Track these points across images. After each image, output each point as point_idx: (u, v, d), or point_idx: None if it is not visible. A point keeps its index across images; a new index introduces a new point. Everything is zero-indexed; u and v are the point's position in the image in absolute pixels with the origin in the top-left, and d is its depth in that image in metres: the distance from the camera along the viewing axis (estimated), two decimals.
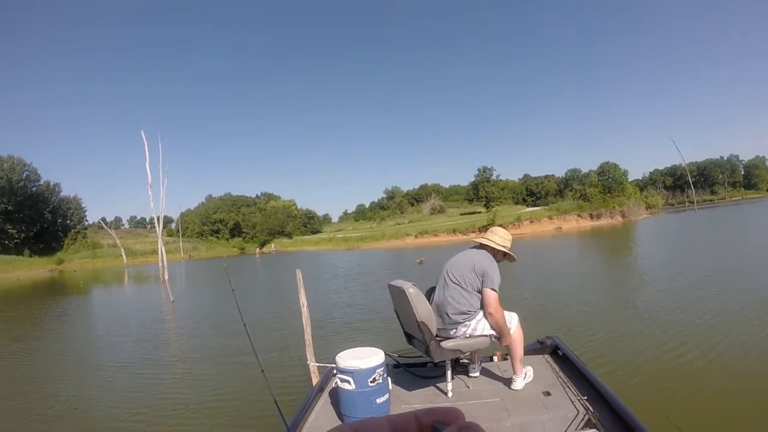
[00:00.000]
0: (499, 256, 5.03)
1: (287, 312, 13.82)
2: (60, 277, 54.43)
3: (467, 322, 4.74)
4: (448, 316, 4.74)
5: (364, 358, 4.29)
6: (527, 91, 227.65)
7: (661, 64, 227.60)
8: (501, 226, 5.01)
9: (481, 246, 5.08)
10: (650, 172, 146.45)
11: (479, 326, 4.74)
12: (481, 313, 4.78)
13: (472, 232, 60.87)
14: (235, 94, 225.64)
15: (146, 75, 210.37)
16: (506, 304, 5.04)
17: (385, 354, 4.61)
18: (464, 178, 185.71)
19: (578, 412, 4.00)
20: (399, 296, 4.86)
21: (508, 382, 4.86)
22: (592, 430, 3.70)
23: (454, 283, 4.78)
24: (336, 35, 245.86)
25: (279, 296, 19.72)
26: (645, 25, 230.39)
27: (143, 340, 13.40)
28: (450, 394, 4.68)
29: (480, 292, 4.75)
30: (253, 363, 4.30)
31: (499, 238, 5.06)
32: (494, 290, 4.69)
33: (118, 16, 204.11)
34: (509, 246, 5.07)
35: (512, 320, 4.84)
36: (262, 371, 4.13)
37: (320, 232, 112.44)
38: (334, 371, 4.58)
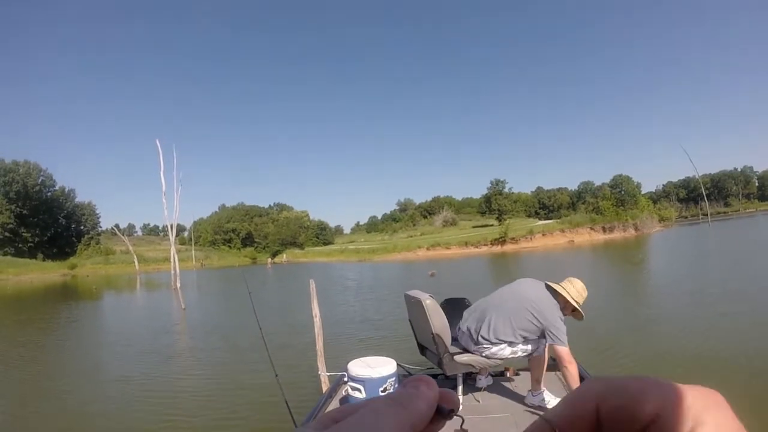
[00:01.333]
0: (568, 309, 4.66)
1: (298, 322, 13.77)
2: (72, 281, 54.76)
3: (492, 348, 4.59)
4: (478, 333, 4.61)
5: (376, 367, 4.29)
6: (540, 103, 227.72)
7: (674, 74, 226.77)
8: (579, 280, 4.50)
9: (548, 287, 4.71)
10: (663, 185, 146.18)
11: (501, 353, 4.60)
12: (507, 346, 4.57)
13: (484, 245, 60.79)
14: (250, 103, 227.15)
15: (162, 83, 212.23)
16: None
17: (397, 364, 4.59)
18: (477, 190, 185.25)
19: None
20: (415, 307, 4.82)
21: (518, 397, 4.79)
22: None
23: (504, 309, 4.57)
24: (350, 41, 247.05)
25: (290, 306, 19.63)
26: (659, 35, 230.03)
27: (155, 346, 13.40)
28: (460, 408, 4.51)
29: (523, 330, 4.53)
30: (264, 369, 4.25)
31: (575, 291, 4.65)
32: (563, 344, 4.43)
33: (133, 24, 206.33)
34: (582, 302, 4.67)
35: (539, 342, 4.65)
36: (276, 375, 4.08)
37: (332, 243, 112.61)
38: (345, 378, 4.57)
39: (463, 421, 0.41)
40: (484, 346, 4.58)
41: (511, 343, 4.56)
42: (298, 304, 16.47)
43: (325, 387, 6.68)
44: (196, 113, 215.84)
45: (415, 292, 4.87)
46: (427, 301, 4.55)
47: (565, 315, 4.62)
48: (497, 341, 4.54)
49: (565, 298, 4.58)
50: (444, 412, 0.36)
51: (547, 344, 4.65)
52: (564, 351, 4.38)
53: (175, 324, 18.40)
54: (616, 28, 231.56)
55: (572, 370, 4.38)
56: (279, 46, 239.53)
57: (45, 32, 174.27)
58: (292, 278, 38.21)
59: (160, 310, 24.30)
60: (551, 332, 4.43)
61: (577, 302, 4.61)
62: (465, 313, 4.89)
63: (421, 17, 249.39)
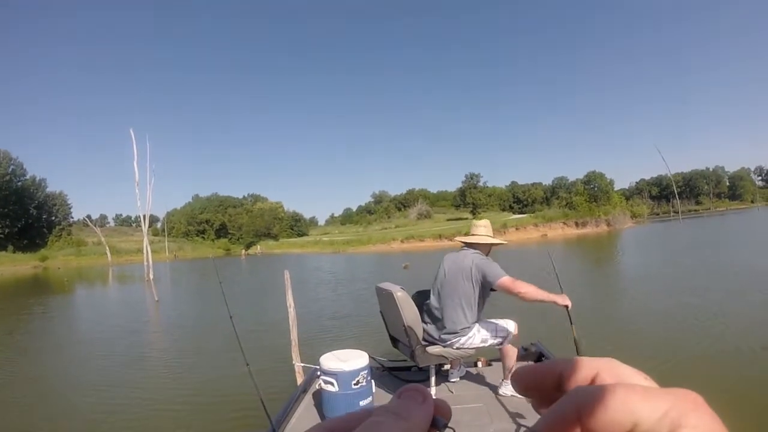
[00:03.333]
0: (486, 249, 4.89)
1: (272, 312, 13.85)
2: (43, 274, 54.10)
3: (459, 338, 4.65)
4: (442, 328, 4.68)
5: (348, 360, 4.29)
6: (515, 97, 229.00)
7: (650, 73, 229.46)
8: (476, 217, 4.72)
9: (469, 245, 4.90)
10: (636, 182, 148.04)
11: (469, 342, 4.66)
12: (474, 329, 4.68)
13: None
14: (225, 93, 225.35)
15: (135, 71, 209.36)
16: (502, 311, 5.07)
17: (370, 357, 4.60)
18: (451, 184, 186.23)
19: None
20: (387, 299, 4.84)
21: (492, 387, 4.87)
22: None
23: (449, 296, 4.68)
24: (325, 33, 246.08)
25: (264, 297, 19.64)
26: (634, 32, 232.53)
27: (126, 339, 13.35)
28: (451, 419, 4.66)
29: (480, 296, 4.68)
30: (237, 360, 4.32)
31: (485, 230, 4.96)
32: (503, 276, 4.49)
33: (104, 12, 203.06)
34: (493, 234, 5.00)
35: (509, 329, 4.74)
36: (247, 365, 4.11)
37: (306, 235, 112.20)
38: (318, 373, 4.57)
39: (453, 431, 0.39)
40: (452, 340, 4.65)
41: (476, 329, 4.67)
42: (272, 295, 16.54)
43: (299, 376, 6.76)
44: (170, 102, 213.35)
45: (386, 285, 4.91)
46: (399, 294, 4.58)
47: (487, 254, 4.84)
48: (461, 331, 4.62)
49: (485, 244, 4.86)
50: (439, 425, 0.36)
51: (514, 334, 4.74)
52: (506, 281, 4.43)
53: (147, 316, 18.33)
54: (594, 26, 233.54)
55: (529, 295, 4.32)
56: (253, 33, 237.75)
57: (14, 19, 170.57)
58: (266, 270, 38.11)
59: (133, 303, 24.13)
60: (486, 277, 4.55)
61: (491, 237, 4.92)
62: (424, 311, 4.92)
63: (399, 11, 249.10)
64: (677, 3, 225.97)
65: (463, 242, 4.98)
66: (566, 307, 4.36)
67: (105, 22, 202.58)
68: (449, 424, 0.36)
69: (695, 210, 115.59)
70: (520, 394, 0.37)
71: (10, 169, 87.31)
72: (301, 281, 24.00)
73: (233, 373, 7.88)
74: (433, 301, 4.84)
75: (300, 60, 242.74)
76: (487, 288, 4.65)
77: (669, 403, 0.28)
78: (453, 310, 4.64)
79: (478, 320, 4.74)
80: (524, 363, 5.33)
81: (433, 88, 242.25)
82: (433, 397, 0.36)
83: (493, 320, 4.80)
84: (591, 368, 0.34)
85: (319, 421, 3.67)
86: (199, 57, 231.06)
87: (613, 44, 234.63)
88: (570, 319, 4.36)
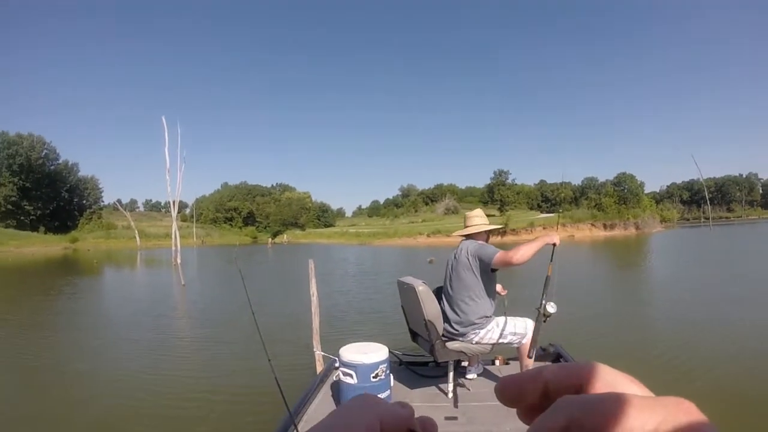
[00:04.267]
0: (483, 237, 4.96)
1: (294, 300, 13.85)
2: (73, 255, 54.95)
3: (478, 330, 4.66)
4: (460, 324, 4.68)
5: (368, 353, 4.28)
6: (547, 96, 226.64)
7: (684, 78, 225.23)
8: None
9: (468, 237, 4.94)
10: (667, 186, 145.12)
11: (488, 336, 4.66)
12: (492, 322, 4.69)
13: None
14: (257, 84, 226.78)
15: (168, 61, 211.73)
16: (519, 310, 4.98)
17: (389, 351, 4.57)
18: (480, 180, 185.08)
19: None
20: (408, 293, 4.83)
21: None
22: None
23: (460, 290, 4.70)
24: (357, 28, 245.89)
25: (288, 285, 19.73)
26: (668, 39, 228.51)
27: (151, 322, 13.47)
28: (450, 395, 4.65)
29: (486, 284, 4.69)
30: (259, 351, 4.30)
31: (478, 219, 5.03)
32: (496, 252, 4.50)
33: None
34: (488, 221, 5.07)
35: (527, 328, 4.70)
36: (269, 360, 4.11)
37: (333, 225, 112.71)
38: (337, 364, 4.57)
39: None
40: (472, 333, 4.65)
41: (495, 323, 4.68)
42: (295, 284, 16.54)
43: (318, 365, 6.79)
44: (200, 88, 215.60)
45: (407, 279, 4.89)
46: (420, 288, 4.57)
47: (486, 241, 4.93)
48: (480, 322, 4.64)
49: (482, 233, 4.92)
50: None
51: (533, 334, 4.63)
52: (500, 253, 4.46)
53: (174, 299, 18.51)
54: (630, 30, 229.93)
55: (521, 258, 4.29)
56: (288, 28, 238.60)
57: (47, 5, 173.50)
58: (292, 258, 38.30)
59: (161, 286, 24.48)
60: (483, 260, 4.56)
61: (486, 224, 4.99)
62: (442, 307, 4.88)
63: (433, 7, 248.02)
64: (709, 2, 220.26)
65: (462, 235, 5.00)
66: (554, 245, 4.45)
67: (140, 8, 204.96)
68: None
69: (726, 217, 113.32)
70: (504, 405, 0.36)
71: (43, 153, 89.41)
72: (327, 272, 24.04)
73: (254, 362, 7.87)
74: (446, 297, 4.85)
75: (334, 55, 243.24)
76: (487, 272, 4.64)
77: (661, 415, 0.27)
78: (466, 303, 4.65)
79: (495, 314, 4.75)
80: (542, 363, 5.26)
81: (464, 83, 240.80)
82: (426, 416, 0.36)
83: (511, 317, 4.77)
84: (579, 376, 0.33)
85: None
86: (232, 47, 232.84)
87: (648, 45, 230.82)
88: (552, 257, 4.45)
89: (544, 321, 4.38)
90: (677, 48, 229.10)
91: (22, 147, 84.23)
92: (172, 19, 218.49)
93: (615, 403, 0.28)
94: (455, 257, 4.84)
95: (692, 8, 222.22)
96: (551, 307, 4.30)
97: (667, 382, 6.75)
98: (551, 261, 4.42)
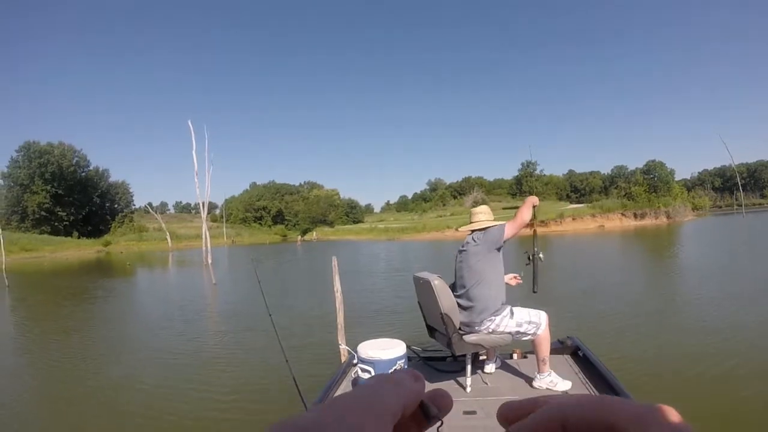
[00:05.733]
0: None
1: (322, 296, 13.85)
2: (106, 258, 55.76)
3: (493, 318, 4.70)
4: (474, 312, 4.73)
5: (386, 349, 4.36)
6: (574, 85, 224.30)
7: (713, 60, 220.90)
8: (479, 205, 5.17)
9: (474, 231, 5.03)
10: (698, 172, 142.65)
11: (503, 323, 4.69)
12: (507, 310, 4.74)
13: None
14: (283, 84, 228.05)
15: (195, 65, 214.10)
16: (534, 302, 5.09)
17: (407, 346, 4.67)
18: (508, 171, 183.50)
19: None
20: (424, 288, 4.89)
21: (527, 379, 4.88)
22: None
23: (474, 280, 4.76)
24: (381, 25, 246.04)
25: (317, 282, 19.71)
26: (695, 21, 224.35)
27: (184, 318, 13.78)
28: (469, 389, 4.67)
29: (498, 272, 4.86)
30: (278, 349, 4.24)
31: (484, 215, 5.12)
32: (503, 226, 4.81)
33: (164, 7, 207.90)
34: (493, 217, 5.16)
35: (541, 319, 4.75)
36: (286, 361, 4.15)
37: (362, 221, 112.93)
38: (355, 360, 4.63)
39: (441, 423, 0.39)
40: (487, 320, 4.69)
41: (509, 312, 4.72)
42: (324, 280, 16.53)
43: (343, 358, 6.84)
44: (226, 89, 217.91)
45: (423, 274, 4.94)
46: (436, 282, 4.61)
47: None
48: (495, 310, 4.70)
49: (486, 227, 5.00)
50: (429, 413, 0.37)
51: (546, 324, 4.76)
52: (506, 226, 4.79)
53: (206, 298, 18.74)
54: (655, 13, 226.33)
55: (516, 222, 4.74)
56: (314, 22, 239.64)
57: (76, 14, 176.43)
58: (321, 256, 38.44)
59: (192, 285, 24.83)
60: (496, 237, 4.78)
61: (492, 220, 5.09)
62: (457, 301, 4.91)
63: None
64: None
65: (471, 230, 5.06)
66: (535, 206, 4.86)
67: (162, 13, 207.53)
68: (445, 418, 0.36)
69: (759, 203, 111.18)
70: (503, 426, 0.36)
71: (74, 161, 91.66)
72: (355, 269, 24.08)
73: (274, 359, 7.80)
74: (459, 289, 4.91)
75: (360, 50, 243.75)
76: (497, 255, 4.84)
77: (647, 418, 0.29)
78: (479, 290, 4.73)
79: (508, 303, 4.84)
80: (559, 356, 5.31)
81: (490, 74, 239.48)
82: (438, 388, 0.38)
83: (525, 308, 4.84)
84: (610, 416, 0.31)
85: None
86: (258, 49, 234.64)
87: (674, 26, 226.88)
88: (534, 215, 4.92)
89: (541, 261, 5.14)
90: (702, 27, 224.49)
91: (53, 156, 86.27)
92: (195, 23, 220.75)
93: (602, 406, 0.30)
94: (464, 249, 4.96)
95: None
96: (541, 254, 5.09)
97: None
98: (534, 218, 4.93)
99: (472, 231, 5.01)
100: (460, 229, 5.33)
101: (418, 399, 0.36)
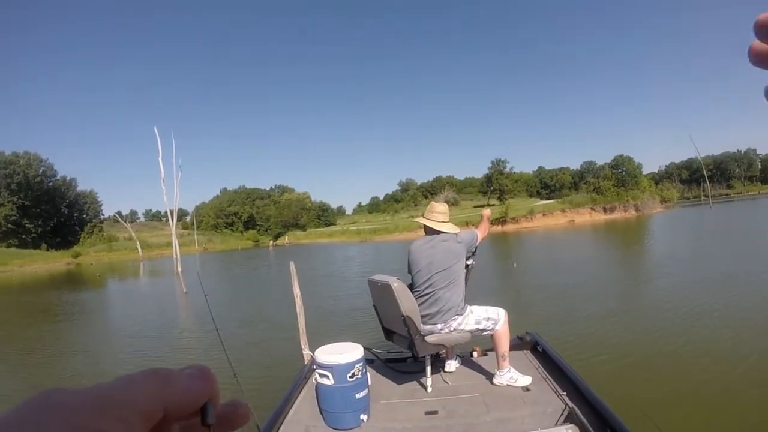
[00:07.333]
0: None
1: (290, 301, 14.04)
2: (76, 270, 55.01)
3: (456, 317, 4.69)
4: (439, 313, 4.69)
5: (343, 353, 4.25)
6: (542, 82, 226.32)
7: (676, 55, 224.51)
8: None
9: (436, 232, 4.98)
10: (666, 166, 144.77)
11: (465, 322, 4.70)
12: (468, 309, 4.75)
13: None
14: (249, 87, 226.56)
15: (159, 69, 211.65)
16: (492, 299, 5.04)
17: (365, 349, 4.56)
18: (478, 170, 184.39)
19: (557, 407, 4.01)
20: (382, 291, 4.79)
21: (487, 377, 4.85)
22: (571, 425, 3.70)
23: (443, 280, 4.69)
24: (348, 23, 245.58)
25: (284, 287, 19.86)
26: (658, 14, 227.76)
27: (156, 328, 13.80)
28: (429, 389, 4.66)
29: (465, 273, 4.91)
30: (230, 362, 4.42)
31: (442, 216, 5.03)
32: (475, 232, 5.12)
33: (127, 9, 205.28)
34: (447, 218, 5.06)
35: (499, 315, 4.76)
36: (234, 375, 4.22)
37: (334, 224, 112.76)
38: (314, 366, 4.55)
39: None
40: (451, 320, 4.69)
41: (469, 310, 4.77)
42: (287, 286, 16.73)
43: (307, 362, 6.85)
44: (194, 96, 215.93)
45: (380, 277, 4.87)
46: (395, 284, 4.54)
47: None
48: (459, 310, 4.72)
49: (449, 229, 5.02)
50: (207, 415, 0.35)
51: (505, 320, 4.78)
52: (477, 233, 5.13)
53: (176, 306, 18.80)
54: (617, 9, 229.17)
55: (481, 233, 5.21)
56: (277, 24, 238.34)
57: (40, 22, 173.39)
58: (293, 260, 38.34)
59: (163, 294, 24.68)
60: (471, 243, 5.00)
61: (444, 222, 5.00)
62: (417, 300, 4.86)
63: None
64: None
65: (436, 229, 4.97)
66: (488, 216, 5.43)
67: (126, 21, 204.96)
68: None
69: (726, 194, 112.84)
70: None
71: (41, 171, 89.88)
72: (326, 274, 24.13)
73: (250, 363, 7.99)
74: (423, 289, 4.79)
75: (325, 49, 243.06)
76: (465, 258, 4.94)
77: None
78: (451, 292, 4.69)
79: (471, 310, 4.81)
80: (519, 352, 5.32)
81: (456, 74, 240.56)
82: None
83: (483, 306, 4.88)
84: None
85: (317, 413, 3.66)
86: (222, 52, 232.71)
87: (639, 22, 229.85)
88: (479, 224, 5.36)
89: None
90: (668, 19, 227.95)
91: (19, 166, 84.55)
92: (162, 29, 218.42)
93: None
94: (439, 248, 4.80)
95: None
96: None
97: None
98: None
99: (436, 230, 4.93)
100: (417, 220, 5.25)
101: (195, 400, 0.34)
